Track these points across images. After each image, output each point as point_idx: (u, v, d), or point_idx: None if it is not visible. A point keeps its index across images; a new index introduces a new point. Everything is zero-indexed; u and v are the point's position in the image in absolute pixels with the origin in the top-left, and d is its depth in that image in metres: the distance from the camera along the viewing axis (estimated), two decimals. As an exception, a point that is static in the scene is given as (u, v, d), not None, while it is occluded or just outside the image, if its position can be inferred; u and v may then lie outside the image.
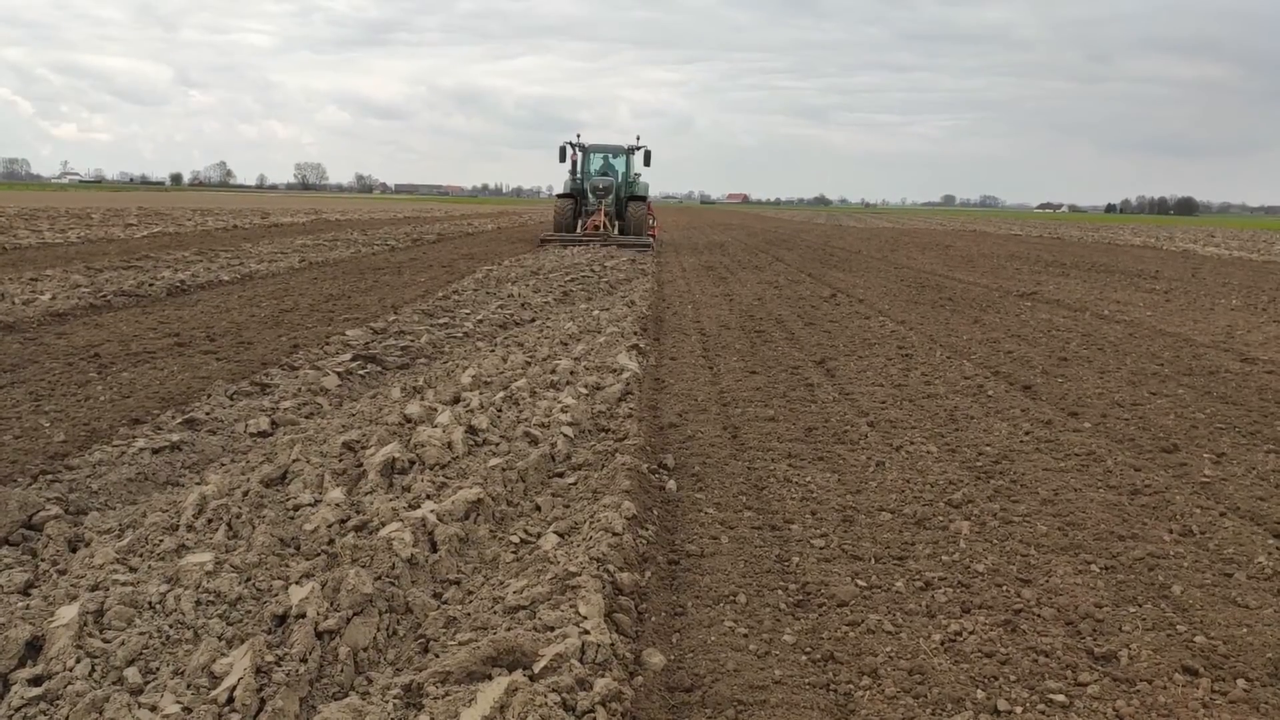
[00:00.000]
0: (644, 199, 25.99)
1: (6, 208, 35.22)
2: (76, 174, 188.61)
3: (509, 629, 3.17)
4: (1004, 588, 3.84)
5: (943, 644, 3.35)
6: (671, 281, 16.54)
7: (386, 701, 2.78)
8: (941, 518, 4.65)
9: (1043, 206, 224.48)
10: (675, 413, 6.67)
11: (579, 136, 26.42)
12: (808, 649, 3.28)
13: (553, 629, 3.13)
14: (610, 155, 27.17)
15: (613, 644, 3.08)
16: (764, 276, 18.06)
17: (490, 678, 2.79)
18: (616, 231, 24.58)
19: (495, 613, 3.38)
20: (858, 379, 8.06)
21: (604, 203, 24.92)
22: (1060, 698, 3.00)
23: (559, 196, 26.97)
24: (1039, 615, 3.58)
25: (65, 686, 2.72)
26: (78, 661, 2.83)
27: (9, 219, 27.13)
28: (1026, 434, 6.28)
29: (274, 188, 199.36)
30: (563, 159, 25.92)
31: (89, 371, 7.40)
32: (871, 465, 5.54)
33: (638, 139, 26.70)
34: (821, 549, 4.22)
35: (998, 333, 10.91)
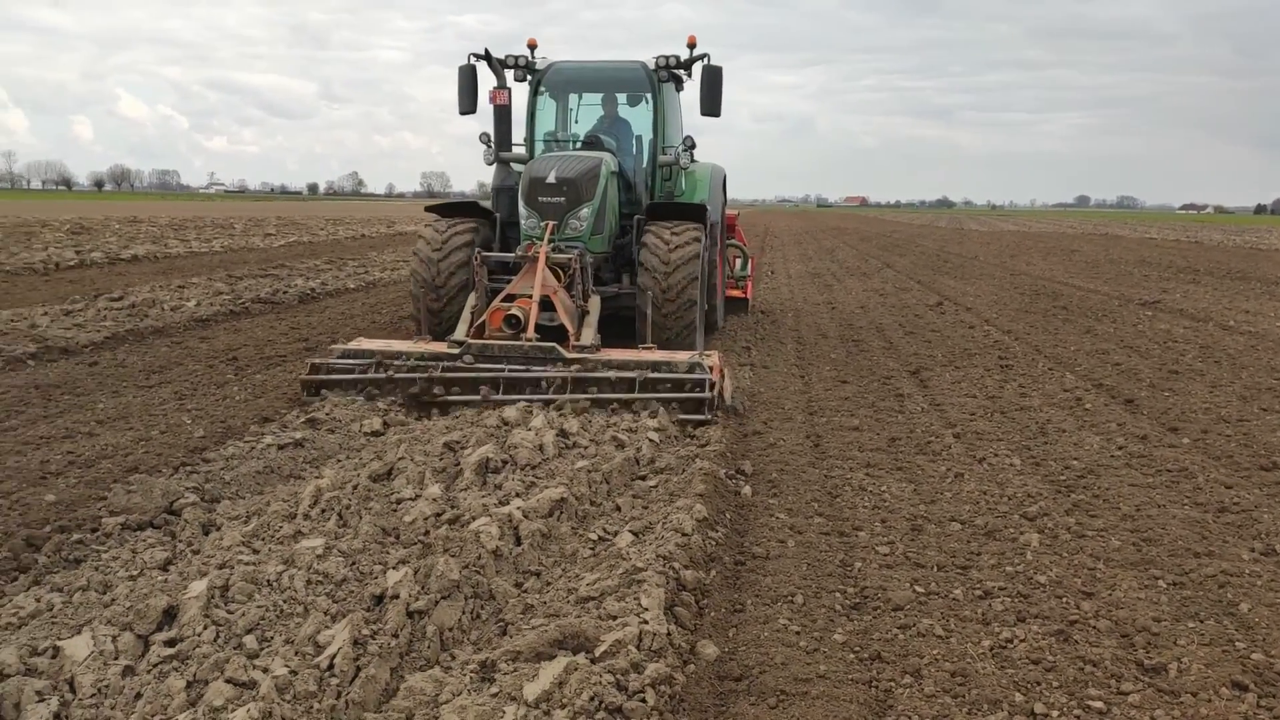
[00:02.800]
0: (699, 211, 8.72)
1: (159, 218, 37.94)
2: (222, 184, 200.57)
3: (577, 616, 3.48)
4: (1064, 599, 3.92)
5: (991, 649, 3.48)
6: (774, 290, 16.64)
7: (465, 675, 3.13)
8: (1013, 529, 4.72)
9: (1185, 207, 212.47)
10: (761, 421, 6.87)
11: (533, 50, 9.52)
12: (856, 648, 3.47)
13: (615, 618, 3.42)
14: (618, 96, 9.86)
15: (669, 634, 3.36)
16: (871, 284, 17.95)
17: (554, 658, 3.10)
18: (584, 335, 7.28)
19: (568, 602, 3.69)
20: (951, 390, 8.07)
21: (568, 225, 8.08)
22: (1099, 704, 3.11)
23: (439, 210, 9.15)
24: (1094, 627, 3.66)
25: (195, 648, 3.16)
26: (205, 628, 3.28)
27: (161, 229, 29.29)
28: (1119, 449, 6.22)
29: (401, 196, 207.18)
30: (469, 103, 9.23)
31: (227, 373, 8.12)
32: (950, 476, 5.62)
33: (691, 48, 9.14)
34: (885, 555, 4.38)
35: (1109, 343, 10.65)
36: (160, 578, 3.72)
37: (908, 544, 4.52)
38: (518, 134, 9.61)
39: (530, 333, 6.94)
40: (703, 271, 8.41)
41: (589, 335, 7.23)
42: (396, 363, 6.89)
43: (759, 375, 8.56)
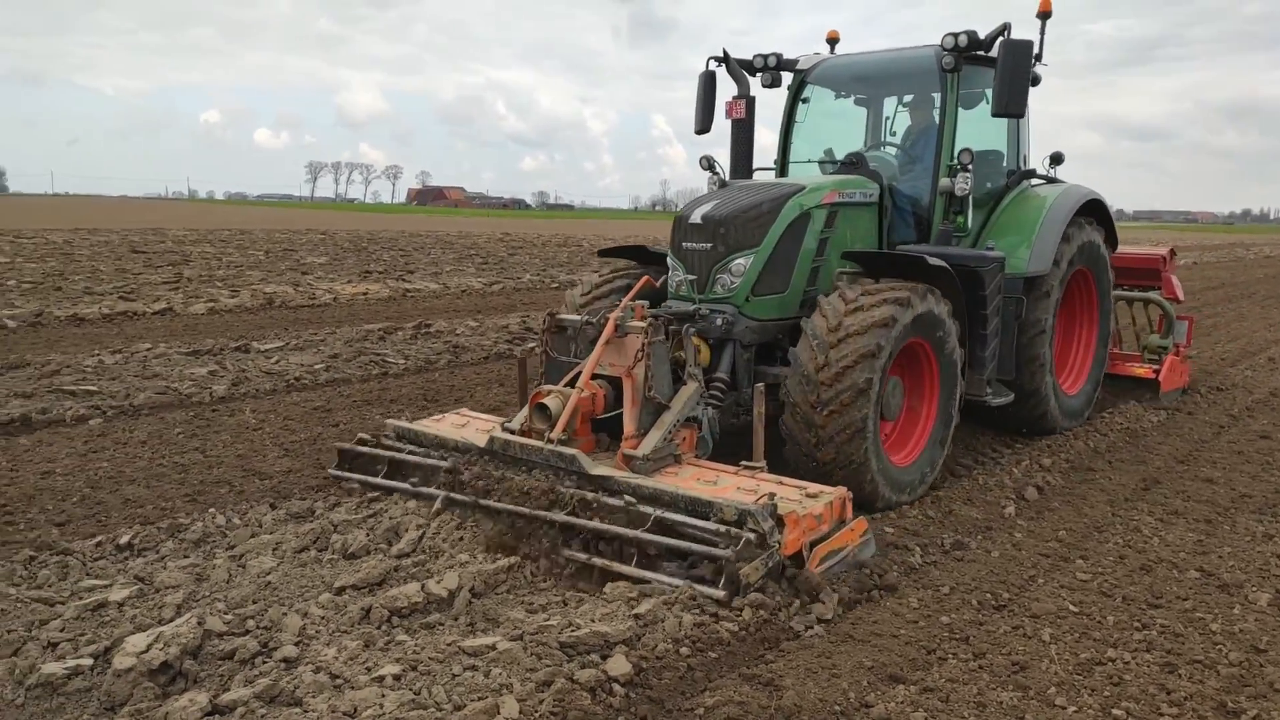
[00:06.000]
0: (916, 265, 6.02)
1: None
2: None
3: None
4: (1220, 647, 3.97)
5: (1081, 660, 3.84)
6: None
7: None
8: (1255, 588, 4.59)
9: None
10: (1106, 460, 6.88)
11: (833, 45, 8.41)
12: (952, 629, 4.09)
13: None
14: (934, 97, 7.02)
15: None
16: None
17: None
18: (646, 441, 5.03)
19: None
20: (1406, 462, 6.94)
21: (716, 281, 5.95)
22: (1120, 713, 3.42)
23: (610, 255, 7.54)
24: (1216, 670, 3.76)
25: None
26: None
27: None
28: None
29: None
30: (703, 119, 7.63)
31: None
32: (1260, 538, 5.34)
33: (1043, 17, 6.97)
34: (1080, 581, 4.67)
35: None
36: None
37: (1118, 578, 4.72)
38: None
39: (558, 431, 4.96)
40: (940, 359, 5.94)
41: (653, 441, 4.98)
42: (414, 459, 5.38)
43: (1167, 420, 8.18)
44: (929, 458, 5.95)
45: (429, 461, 5.27)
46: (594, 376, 5.25)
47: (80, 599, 4.10)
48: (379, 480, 5.43)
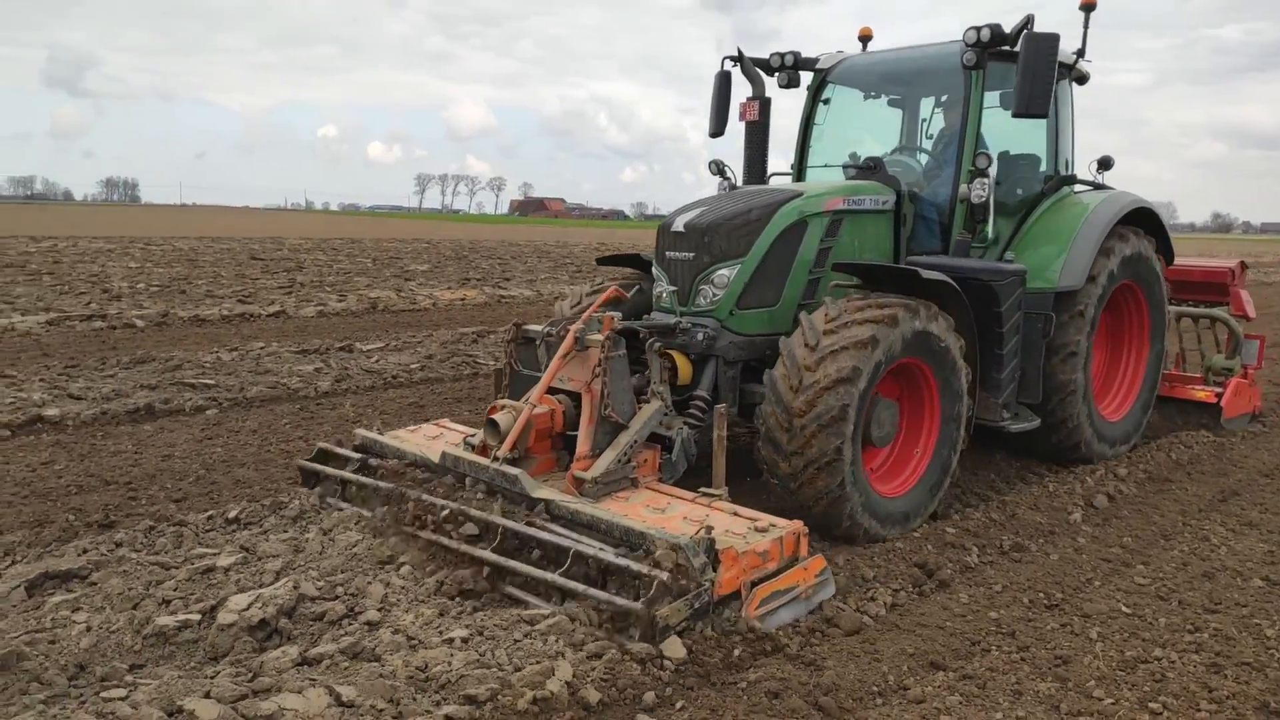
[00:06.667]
0: (903, 277, 5.50)
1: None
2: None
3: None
4: (1272, 651, 3.99)
5: (1123, 658, 3.90)
6: None
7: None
8: (1322, 597, 4.54)
9: None
10: (1185, 473, 6.76)
11: (866, 41, 7.82)
12: (1000, 622, 4.19)
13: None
14: (945, 96, 6.95)
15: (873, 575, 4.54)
16: None
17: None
18: (599, 462, 4.73)
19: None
20: None
21: (698, 293, 5.64)
22: (1156, 706, 3.49)
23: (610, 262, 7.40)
24: (1263, 672, 3.78)
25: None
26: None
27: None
28: None
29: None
30: (717, 123, 7.41)
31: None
32: (1337, 550, 5.24)
33: (1086, 10, 6.48)
34: (1138, 585, 4.70)
35: None
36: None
37: (1177, 583, 4.72)
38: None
39: (505, 449, 4.73)
40: (953, 381, 5.44)
41: (604, 463, 4.69)
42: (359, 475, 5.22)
43: (1257, 434, 7.96)
44: (926, 489, 5.41)
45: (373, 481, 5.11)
46: (555, 391, 5.00)
47: (192, 564, 4.56)
48: (337, 501, 5.29)
